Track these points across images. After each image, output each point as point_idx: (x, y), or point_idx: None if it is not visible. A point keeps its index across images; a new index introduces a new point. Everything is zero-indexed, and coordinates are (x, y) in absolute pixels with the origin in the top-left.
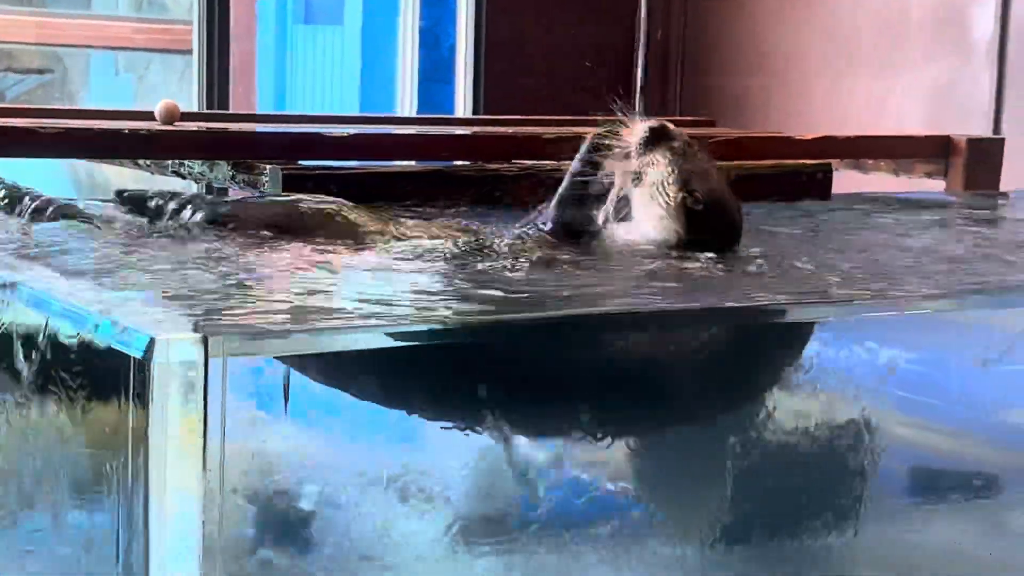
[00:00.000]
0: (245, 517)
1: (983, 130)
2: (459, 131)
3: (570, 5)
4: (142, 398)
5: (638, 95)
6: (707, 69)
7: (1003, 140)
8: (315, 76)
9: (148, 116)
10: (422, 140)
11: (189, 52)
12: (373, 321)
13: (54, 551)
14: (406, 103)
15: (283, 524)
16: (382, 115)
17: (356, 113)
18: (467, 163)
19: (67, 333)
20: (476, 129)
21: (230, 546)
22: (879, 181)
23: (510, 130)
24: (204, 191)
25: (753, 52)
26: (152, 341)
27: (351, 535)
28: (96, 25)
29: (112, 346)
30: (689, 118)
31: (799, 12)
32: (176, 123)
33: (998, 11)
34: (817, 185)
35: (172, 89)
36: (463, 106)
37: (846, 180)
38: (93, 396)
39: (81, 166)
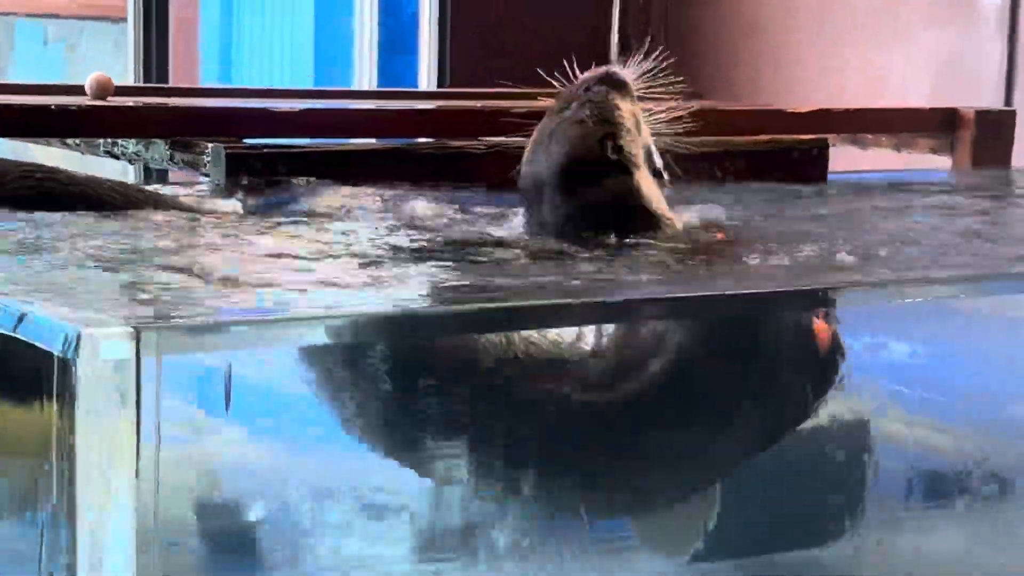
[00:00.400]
0: (182, 526)
1: (993, 102)
2: (421, 106)
3: None
4: (66, 399)
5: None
6: (692, 40)
7: (1014, 112)
8: (264, 46)
9: (78, 91)
10: (380, 116)
11: (124, 20)
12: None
13: None
14: (364, 75)
15: (223, 530)
16: (338, 88)
17: (309, 87)
18: (430, 140)
19: None
20: (440, 103)
21: (165, 558)
22: (879, 158)
23: (478, 104)
24: (142, 172)
25: (741, 21)
26: (78, 337)
27: (291, 539)
28: None
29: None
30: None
31: None
32: (109, 98)
33: None
34: (812, 162)
35: (106, 60)
36: (427, 79)
37: (844, 157)
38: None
39: (7, 146)
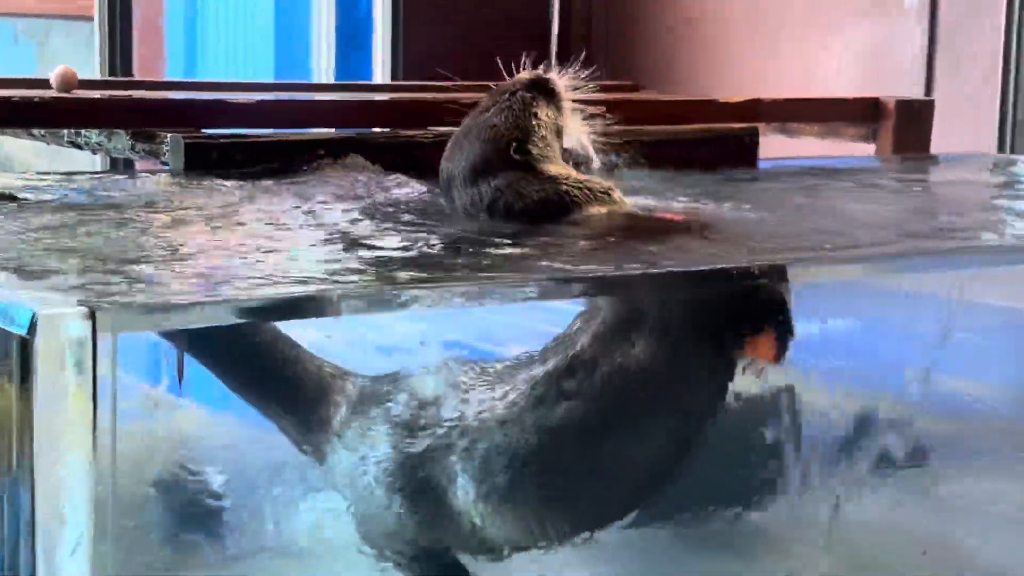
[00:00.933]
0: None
1: (914, 92)
2: (376, 97)
3: None
4: (28, 377)
5: (553, 59)
6: (632, 33)
7: (933, 102)
8: (227, 43)
9: (44, 84)
10: (332, 106)
11: (91, 18)
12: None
13: None
14: (322, 70)
15: (180, 505)
16: (296, 82)
17: (269, 80)
18: (383, 130)
19: None
20: (393, 96)
21: (122, 531)
22: (807, 145)
23: (427, 96)
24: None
25: (679, 16)
26: (35, 316)
27: (246, 514)
28: None
29: None
30: (613, 82)
31: None
32: (74, 91)
33: None
34: (743, 150)
35: (77, 56)
36: (381, 72)
37: (774, 144)
38: None
39: None
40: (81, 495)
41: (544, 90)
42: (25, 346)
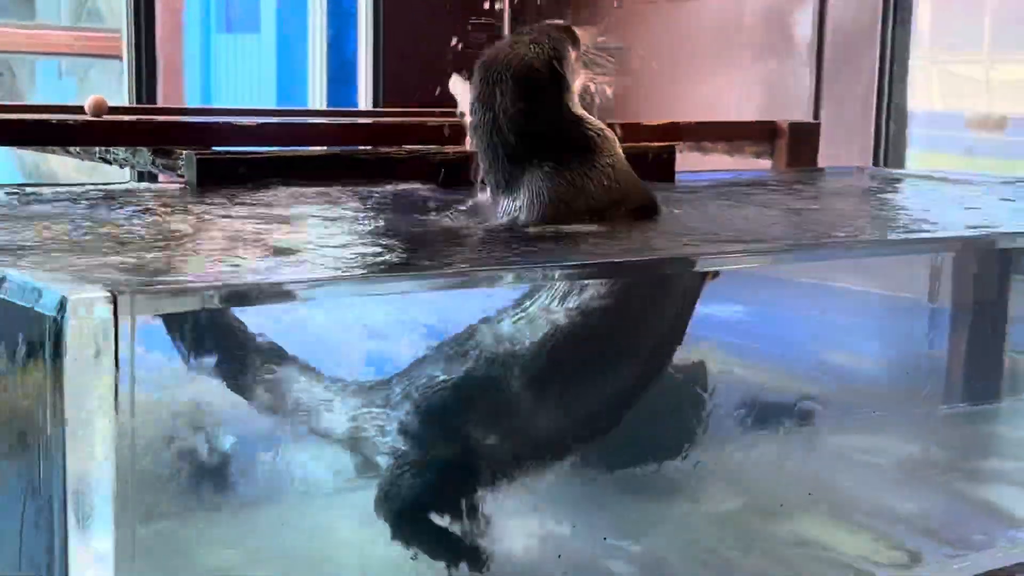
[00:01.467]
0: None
1: (804, 117)
2: (359, 121)
3: (456, 16)
4: (58, 353)
5: None
6: None
7: (819, 125)
8: (236, 79)
9: (80, 110)
10: (323, 128)
11: (121, 58)
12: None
13: None
14: (316, 101)
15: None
16: (294, 108)
17: (271, 107)
18: (365, 147)
19: None
20: (373, 120)
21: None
22: (716, 161)
23: (401, 121)
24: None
25: (611, 54)
26: (64, 300)
27: (251, 469)
28: (40, 34)
29: (27, 306)
30: None
31: (651, 22)
32: (104, 116)
33: (815, 17)
34: (663, 165)
35: (110, 89)
36: (364, 102)
37: (689, 160)
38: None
39: (28, 156)
40: (105, 454)
41: (571, 35)
42: (56, 327)
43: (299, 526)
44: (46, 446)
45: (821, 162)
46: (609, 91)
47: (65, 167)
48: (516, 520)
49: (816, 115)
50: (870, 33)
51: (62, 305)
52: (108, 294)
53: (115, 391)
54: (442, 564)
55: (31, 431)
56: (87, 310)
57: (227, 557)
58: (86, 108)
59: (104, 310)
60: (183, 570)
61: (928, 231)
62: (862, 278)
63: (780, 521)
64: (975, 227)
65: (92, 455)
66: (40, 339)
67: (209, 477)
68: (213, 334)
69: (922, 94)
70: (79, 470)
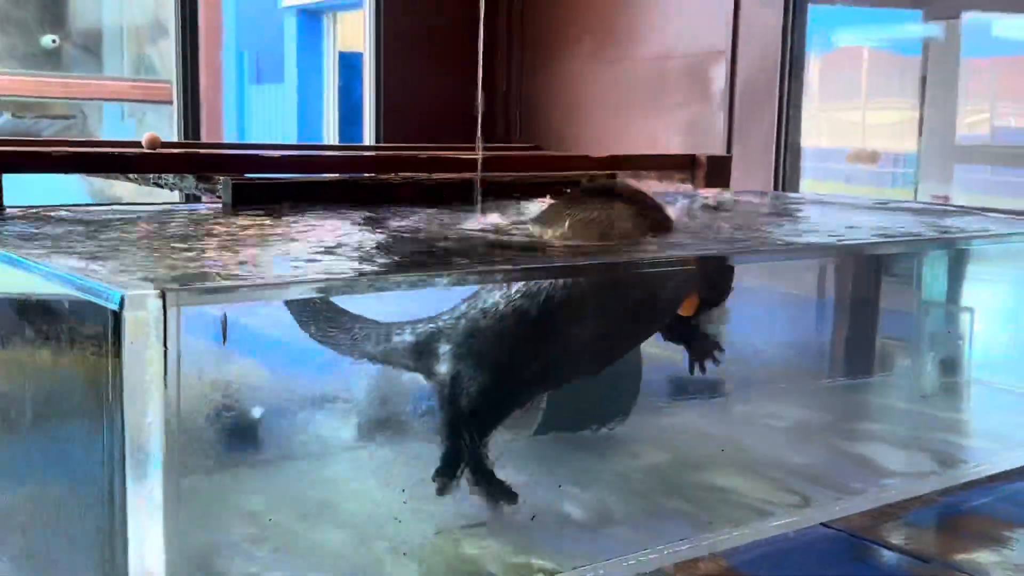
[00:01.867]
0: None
1: (719, 151)
2: (363, 154)
3: (443, 68)
4: (118, 339)
5: (479, 130)
6: (537, 113)
7: (731, 157)
8: (265, 121)
9: (137, 145)
10: (334, 160)
11: (172, 103)
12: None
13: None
14: (330, 138)
15: (230, 427)
16: (311, 143)
17: (293, 142)
18: (368, 175)
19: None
20: (375, 153)
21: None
22: (649, 186)
23: (398, 154)
24: (183, 197)
25: (567, 101)
26: (123, 297)
27: (284, 438)
28: (106, 84)
29: (93, 301)
30: (523, 144)
31: (598, 72)
32: (158, 149)
33: (728, 72)
34: None
35: (163, 127)
36: (368, 139)
37: None
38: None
39: (96, 181)
40: (157, 423)
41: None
42: (116, 318)
43: (314, 478)
44: (110, 412)
45: (732, 187)
46: None
47: (126, 191)
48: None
49: (728, 149)
50: (771, 85)
51: (122, 301)
52: (158, 291)
53: (164, 368)
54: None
55: (101, 400)
56: (141, 305)
57: (255, 502)
58: (143, 143)
59: (155, 304)
60: (218, 511)
61: (816, 240)
62: (768, 278)
63: (699, 472)
64: (852, 237)
65: (147, 420)
66: (106, 328)
67: (241, 438)
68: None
69: (812, 134)
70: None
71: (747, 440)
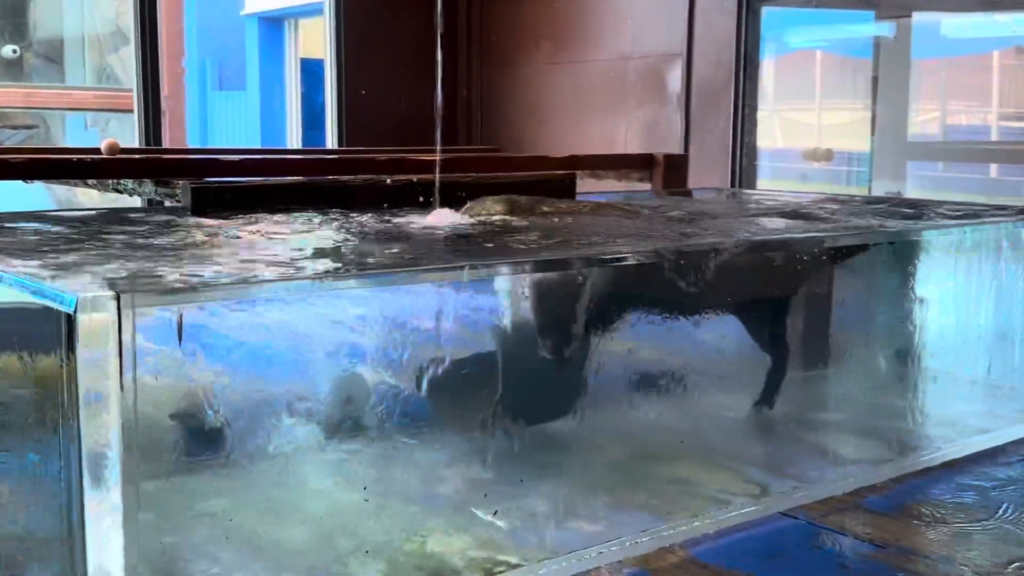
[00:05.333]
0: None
1: (676, 150)
2: (325, 157)
3: (405, 73)
4: (72, 343)
5: (438, 133)
6: (498, 116)
7: (687, 156)
8: (229, 128)
9: (97, 151)
10: (294, 162)
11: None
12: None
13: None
14: (293, 144)
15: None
16: (273, 148)
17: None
18: (329, 177)
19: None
20: (337, 156)
21: (145, 443)
22: (608, 185)
23: (358, 157)
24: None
25: (527, 103)
26: (76, 299)
27: (240, 441)
28: (68, 94)
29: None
30: (484, 147)
31: (557, 75)
32: (117, 155)
33: (684, 74)
34: (565, 188)
35: (127, 136)
36: (331, 144)
37: (586, 184)
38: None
39: (59, 189)
40: (114, 426)
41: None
42: (71, 321)
43: (278, 480)
44: (65, 417)
45: (690, 185)
46: None
47: (88, 197)
48: (453, 469)
49: (685, 149)
50: (726, 87)
51: (75, 304)
52: (113, 293)
53: (120, 372)
54: None
55: (56, 405)
56: (96, 307)
57: (216, 505)
58: (102, 149)
59: (109, 305)
60: (179, 515)
61: (771, 233)
62: None
63: (659, 464)
64: (806, 231)
65: (103, 424)
66: (62, 331)
67: (202, 441)
68: None
69: (768, 135)
70: (93, 437)
71: (704, 429)
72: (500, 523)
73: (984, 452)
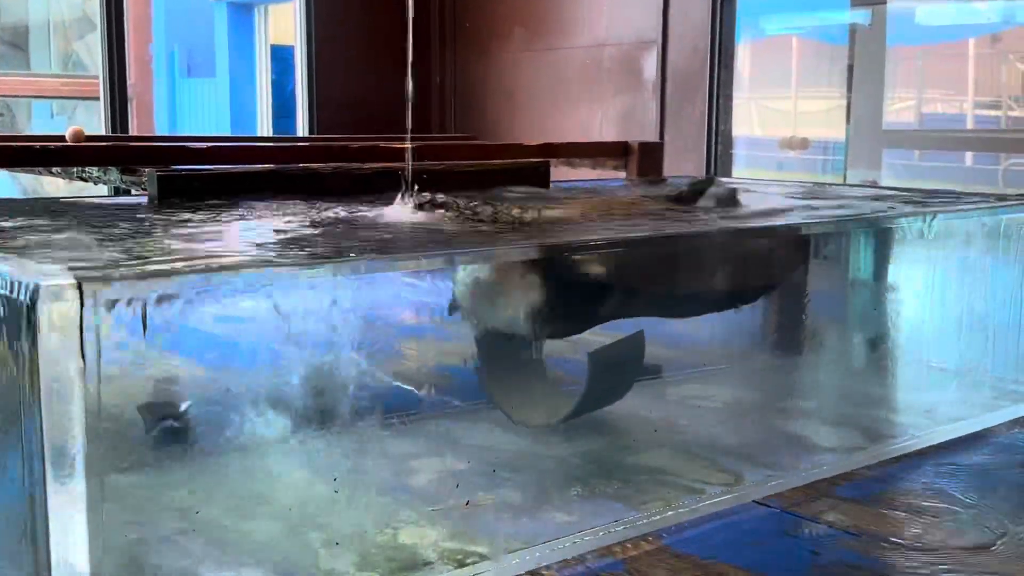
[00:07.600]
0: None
1: (651, 138)
2: (295, 145)
3: (377, 60)
4: (33, 333)
5: (408, 119)
6: (472, 103)
7: (662, 144)
8: (198, 115)
9: (62, 139)
10: (263, 151)
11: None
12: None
13: None
14: (263, 132)
15: (152, 424)
16: (242, 135)
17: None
18: (298, 165)
19: None
20: (308, 144)
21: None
22: (583, 173)
23: (330, 145)
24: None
25: (502, 91)
26: (37, 287)
27: (211, 435)
28: (34, 81)
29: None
30: (459, 135)
31: (531, 63)
32: (82, 142)
33: (659, 62)
34: (540, 176)
35: (93, 124)
36: (302, 132)
37: (561, 172)
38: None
39: (25, 178)
40: (77, 419)
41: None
42: (30, 311)
43: (246, 471)
44: (25, 414)
45: (665, 173)
46: None
47: (52, 186)
48: (425, 459)
49: (661, 137)
50: (701, 74)
51: (35, 292)
52: (74, 281)
53: (83, 362)
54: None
55: (19, 398)
56: (57, 296)
57: (183, 497)
58: (67, 137)
59: (71, 294)
60: (145, 508)
61: (748, 222)
62: None
63: (633, 454)
64: (783, 219)
65: (66, 416)
66: (20, 322)
67: (168, 433)
68: None
69: (744, 123)
70: (55, 429)
71: (681, 419)
72: (472, 514)
73: (958, 439)
